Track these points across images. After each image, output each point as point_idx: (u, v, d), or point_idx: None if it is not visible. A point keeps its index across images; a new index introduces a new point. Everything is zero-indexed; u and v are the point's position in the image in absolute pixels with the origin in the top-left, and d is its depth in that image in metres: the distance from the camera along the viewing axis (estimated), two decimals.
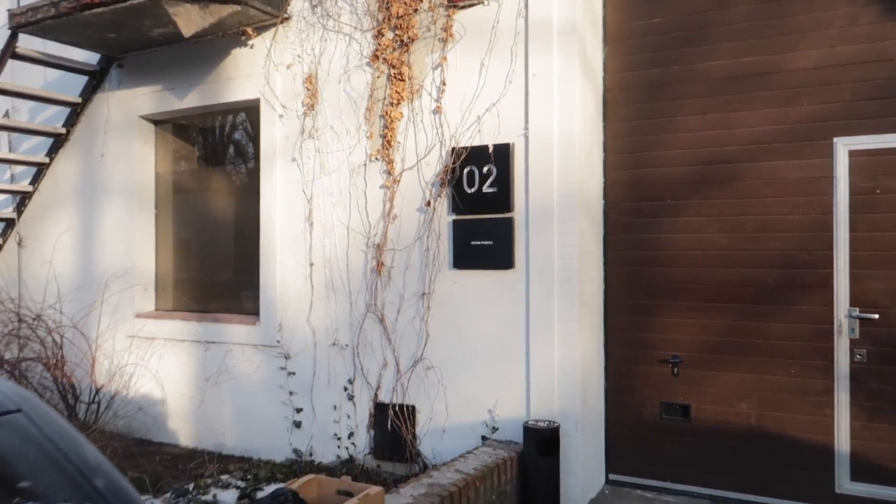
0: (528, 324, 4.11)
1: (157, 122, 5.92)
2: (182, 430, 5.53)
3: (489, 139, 4.25)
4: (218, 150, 5.95)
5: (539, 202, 4.08)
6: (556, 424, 3.88)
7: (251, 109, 5.39)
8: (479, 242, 4.25)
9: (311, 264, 4.90)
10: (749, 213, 4.07)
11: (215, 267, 5.75)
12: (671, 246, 4.27)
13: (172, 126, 5.94)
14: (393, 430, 4.55)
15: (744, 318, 4.08)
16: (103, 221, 6.01)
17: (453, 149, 4.32)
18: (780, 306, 4.00)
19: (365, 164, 4.70)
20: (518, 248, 4.16)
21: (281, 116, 5.05)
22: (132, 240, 5.82)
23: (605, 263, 4.41)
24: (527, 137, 4.13)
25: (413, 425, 4.49)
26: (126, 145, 5.86)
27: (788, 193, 3.98)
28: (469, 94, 4.32)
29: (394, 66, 4.55)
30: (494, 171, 4.20)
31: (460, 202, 4.31)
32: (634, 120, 4.37)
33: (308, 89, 4.91)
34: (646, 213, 4.34)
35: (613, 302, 4.42)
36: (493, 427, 4.21)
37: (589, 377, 4.17)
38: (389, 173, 4.59)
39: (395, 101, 4.55)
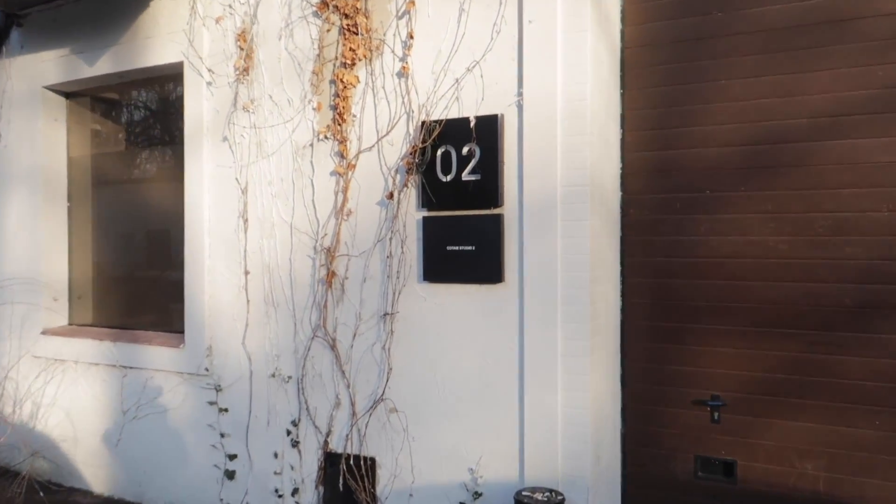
0: (523, 357, 3.07)
1: (69, 94, 4.83)
2: (96, 474, 4.48)
3: (470, 109, 3.19)
4: (147, 129, 4.86)
5: (537, 194, 3.03)
6: (559, 498, 2.84)
7: (175, 77, 4.31)
8: (457, 247, 3.20)
9: (247, 272, 3.85)
10: (818, 210, 3.03)
11: (141, 272, 4.68)
12: (711, 252, 3.23)
13: (90, 100, 4.86)
14: (346, 488, 3.51)
15: (810, 350, 3.05)
16: (3, 218, 4.92)
17: (423, 123, 3.27)
18: (860, 334, 2.97)
19: (312, 145, 3.64)
20: (509, 256, 3.12)
21: (209, 84, 3.98)
22: (38, 239, 4.74)
23: (623, 274, 3.37)
24: (521, 106, 3.07)
25: (372, 483, 3.45)
26: (30, 123, 4.77)
27: (874, 183, 2.94)
28: (444, 51, 3.26)
29: (347, 16, 3.48)
30: (477, 152, 3.14)
31: (433, 194, 3.26)
32: (662, 86, 3.32)
33: (241, 49, 3.84)
34: (677, 209, 3.29)
35: (633, 324, 3.38)
36: (476, 492, 3.18)
37: (603, 426, 3.14)
38: (342, 156, 3.53)
39: (349, 62, 3.48)
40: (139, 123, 4.83)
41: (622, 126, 3.36)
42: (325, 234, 3.59)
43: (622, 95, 3.36)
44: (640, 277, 3.38)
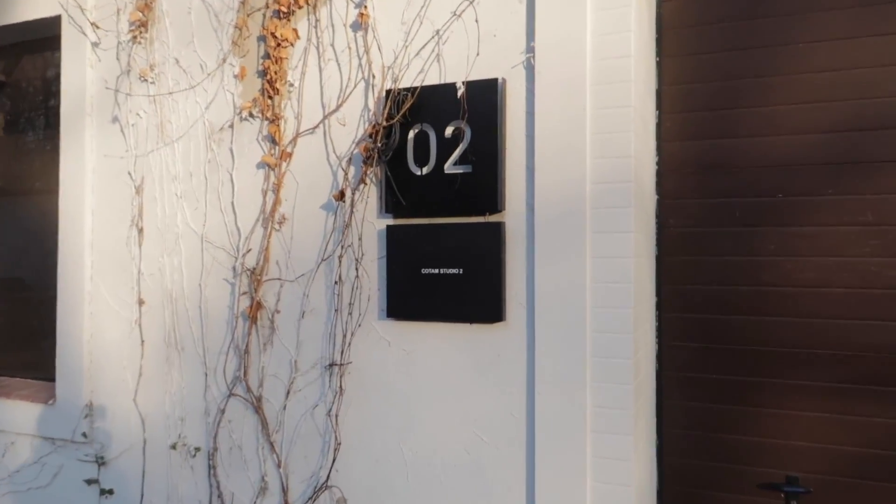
0: (533, 432, 2.10)
1: None
2: None
3: (457, 72, 2.23)
4: (16, 110, 3.74)
5: (555, 193, 2.09)
6: None
7: (51, 38, 3.24)
8: (436, 270, 2.23)
9: (141, 302, 2.79)
10: None
11: (8, 296, 3.55)
12: (783, 278, 2.33)
13: None
14: None
15: None
16: None
17: (389, 92, 2.29)
18: None
19: (232, 126, 2.62)
20: (512, 283, 2.16)
21: (95, 46, 2.92)
22: None
23: (659, 308, 2.44)
24: (530, 67, 2.13)
25: None
26: None
27: None
28: None
29: None
30: (467, 133, 2.19)
31: (402, 194, 2.28)
32: (714, 51, 2.42)
33: None
34: (734, 219, 2.39)
35: (672, 376, 2.45)
36: None
37: None
38: (274, 140, 2.53)
39: (284, 10, 2.49)
40: (4, 104, 3.70)
41: (658, 106, 2.45)
42: (249, 250, 2.57)
43: (658, 65, 2.45)
44: (682, 312, 2.45)
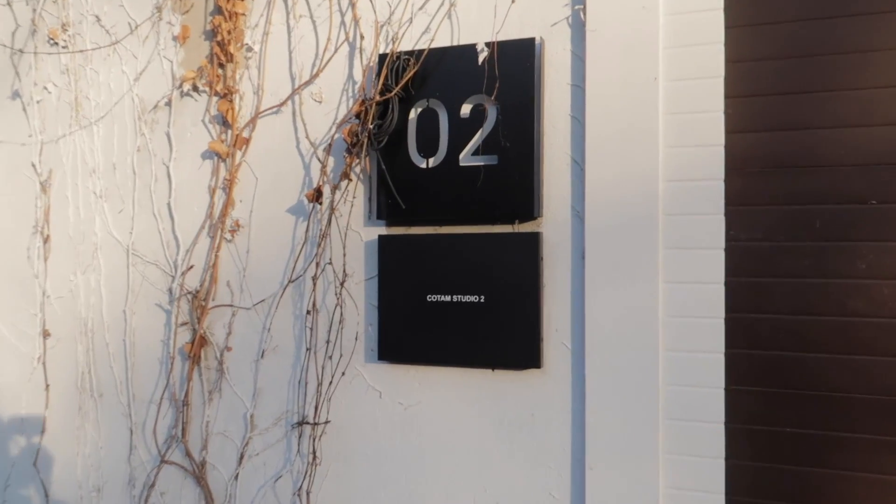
0: None
1: None
2: None
3: (478, 31, 1.66)
4: None
5: (613, 194, 1.53)
6: None
7: None
8: (448, 298, 1.65)
9: (46, 334, 2.12)
10: None
11: None
12: (879, 307, 1.80)
13: None
14: None
15: None
16: None
17: (384, 58, 1.70)
18: None
19: (170, 103, 1.99)
20: (553, 316, 1.59)
21: None
22: None
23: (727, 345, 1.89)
24: (580, 24, 1.58)
25: None
26: None
27: None
28: None
29: None
30: (492, 113, 1.61)
31: (400, 193, 1.69)
32: (792, 19, 1.91)
33: None
34: (814, 231, 1.85)
35: (738, 428, 1.90)
36: None
37: None
38: (227, 122, 1.91)
39: None
40: None
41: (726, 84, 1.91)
42: (191, 267, 1.94)
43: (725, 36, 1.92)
44: (747, 348, 1.92)
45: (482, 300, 1.62)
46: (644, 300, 1.49)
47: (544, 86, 1.61)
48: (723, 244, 1.47)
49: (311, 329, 1.78)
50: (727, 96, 1.88)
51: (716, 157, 1.48)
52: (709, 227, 1.48)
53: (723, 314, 1.47)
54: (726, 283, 1.70)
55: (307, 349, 1.78)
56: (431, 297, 1.66)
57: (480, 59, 1.61)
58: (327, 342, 1.76)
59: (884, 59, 1.83)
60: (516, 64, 1.59)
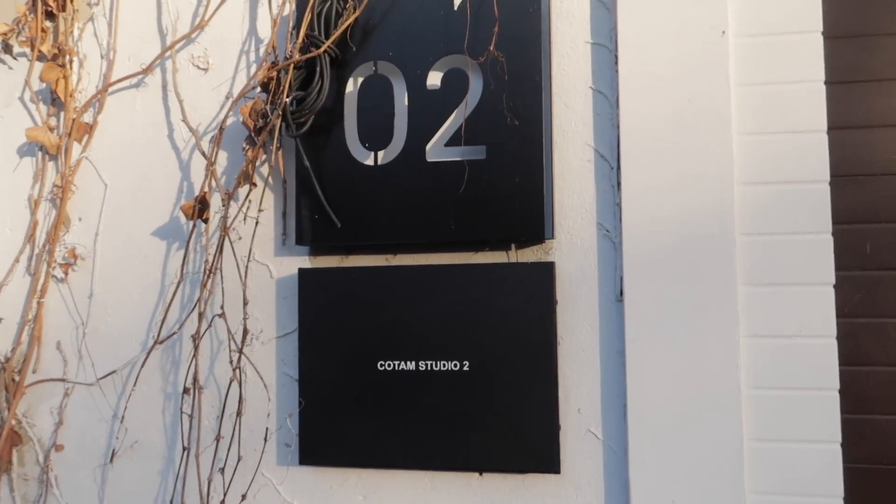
0: None
1: None
2: None
3: None
4: None
5: (663, 205, 1.01)
6: None
7: None
8: (409, 365, 1.06)
9: None
10: None
11: None
12: None
13: None
14: None
15: None
16: None
17: (306, 2, 1.12)
18: None
19: None
20: (573, 391, 1.04)
21: None
22: None
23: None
24: None
25: None
26: None
27: None
28: None
29: None
30: (476, 84, 1.06)
31: (332, 204, 1.09)
32: None
33: None
34: None
35: None
36: None
37: None
38: (56, 98, 1.25)
39: None
40: None
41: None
42: (0, 321, 1.25)
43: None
44: (868, 412, 1.43)
45: (465, 367, 1.05)
46: (717, 364, 0.98)
47: (553, 45, 1.08)
48: (832, 278, 0.99)
49: (192, 417, 1.14)
50: (829, 80, 1.40)
51: (819, 148, 1.00)
52: (811, 251, 0.99)
53: (836, 386, 0.98)
54: (841, 325, 1.19)
55: (184, 448, 1.13)
56: (384, 365, 1.07)
57: (456, 1, 1.07)
58: (217, 438, 1.12)
59: None
60: (513, 8, 1.05)
